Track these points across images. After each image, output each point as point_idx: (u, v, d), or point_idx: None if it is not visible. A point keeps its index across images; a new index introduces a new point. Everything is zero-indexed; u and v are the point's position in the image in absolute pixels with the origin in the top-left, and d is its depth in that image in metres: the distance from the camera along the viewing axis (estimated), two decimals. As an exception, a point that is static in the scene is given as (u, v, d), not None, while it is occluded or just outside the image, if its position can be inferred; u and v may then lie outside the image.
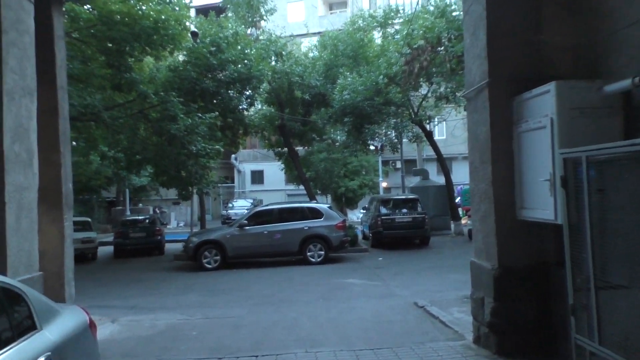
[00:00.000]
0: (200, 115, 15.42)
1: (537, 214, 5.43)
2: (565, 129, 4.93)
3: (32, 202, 6.14)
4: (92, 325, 3.91)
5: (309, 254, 15.37)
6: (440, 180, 25.05)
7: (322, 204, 17.15)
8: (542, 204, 5.25)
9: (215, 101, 17.46)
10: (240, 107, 18.68)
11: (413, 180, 28.29)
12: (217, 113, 17.51)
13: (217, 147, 15.91)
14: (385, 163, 35.13)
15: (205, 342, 7.13)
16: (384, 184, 33.20)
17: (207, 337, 7.42)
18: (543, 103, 5.22)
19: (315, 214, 15.85)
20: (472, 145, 6.45)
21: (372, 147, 29.05)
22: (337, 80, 19.28)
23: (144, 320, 8.73)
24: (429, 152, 29.53)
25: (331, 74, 20.40)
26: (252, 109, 20.89)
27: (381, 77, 17.59)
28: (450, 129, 32.01)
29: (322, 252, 15.41)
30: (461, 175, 30.98)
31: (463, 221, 22.51)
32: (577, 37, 5.52)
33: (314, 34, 31.49)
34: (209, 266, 15.03)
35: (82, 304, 10.07)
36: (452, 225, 22.00)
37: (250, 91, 18.52)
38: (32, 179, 6.16)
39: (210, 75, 16.80)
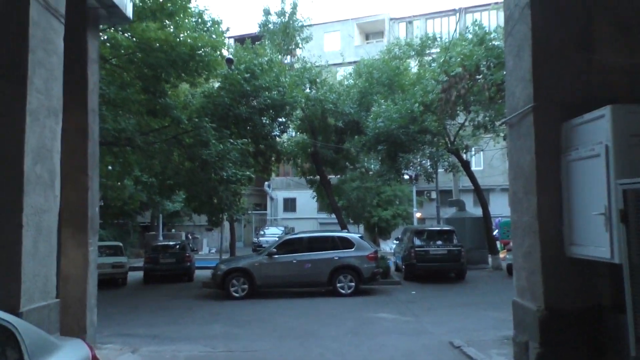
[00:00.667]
0: (232, 141, 15.35)
1: (589, 252, 4.89)
2: (623, 158, 4.44)
3: (52, 225, 5.96)
4: (94, 362, 3.58)
5: (338, 285, 14.85)
6: (477, 212, 24.21)
7: (354, 234, 16.67)
8: (596, 240, 4.72)
9: (248, 127, 17.42)
10: (273, 133, 18.60)
11: (448, 212, 27.50)
12: (248, 139, 17.46)
13: (247, 173, 15.76)
14: (419, 193, 34.44)
15: (225, 379, 6.73)
16: (417, 215, 32.43)
17: (227, 372, 7.02)
18: (597, 129, 4.74)
19: (346, 243, 15.38)
20: (515, 175, 5.98)
21: (406, 177, 28.52)
22: (372, 108, 19.01)
23: (166, 351, 8.40)
24: (465, 182, 28.82)
25: (365, 102, 20.17)
26: (285, 135, 20.80)
27: (416, 105, 17.21)
28: (488, 160, 31.22)
29: (353, 284, 14.87)
30: (499, 207, 29.99)
31: (501, 255, 21.57)
32: (633, 57, 5.06)
33: (350, 63, 31.55)
34: (237, 295, 14.68)
35: (106, 332, 9.92)
36: (490, 259, 21.08)
37: (283, 118, 18.43)
38: (53, 202, 6.00)
39: (243, 102, 16.81)
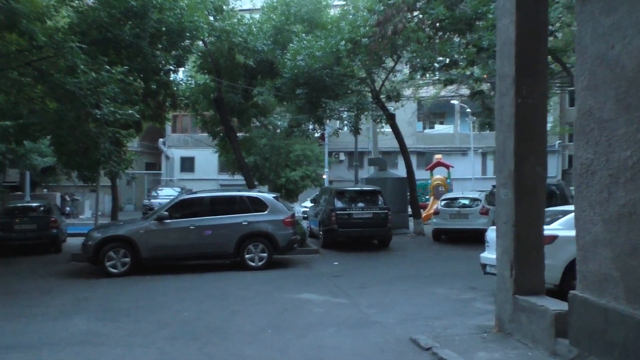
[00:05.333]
0: (109, 68, 11.57)
1: None
2: None
3: None
4: None
5: (247, 256, 12.06)
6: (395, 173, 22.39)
7: (267, 194, 13.84)
8: None
9: (138, 59, 13.61)
10: (166, 68, 14.89)
11: (363, 174, 25.56)
12: (135, 76, 13.74)
13: (130, 111, 12.10)
14: (328, 154, 32.31)
15: None
16: (324, 176, 30.27)
17: None
18: None
19: (258, 205, 12.54)
20: (592, 82, 3.42)
21: (316, 135, 26.12)
22: (290, 45, 15.89)
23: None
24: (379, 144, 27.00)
25: (282, 39, 16.94)
26: (182, 72, 17.11)
27: (343, 42, 14.43)
28: (403, 119, 29.44)
29: (265, 255, 12.15)
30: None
31: (423, 217, 19.98)
32: None
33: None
34: (115, 271, 11.34)
35: None
36: (412, 224, 19.34)
37: (180, 51, 14.82)
38: None
39: (129, 24, 13.01)
